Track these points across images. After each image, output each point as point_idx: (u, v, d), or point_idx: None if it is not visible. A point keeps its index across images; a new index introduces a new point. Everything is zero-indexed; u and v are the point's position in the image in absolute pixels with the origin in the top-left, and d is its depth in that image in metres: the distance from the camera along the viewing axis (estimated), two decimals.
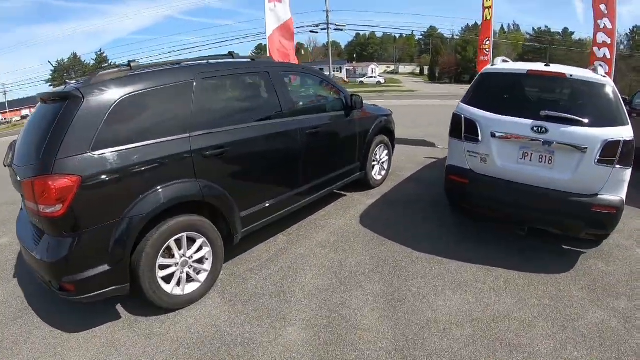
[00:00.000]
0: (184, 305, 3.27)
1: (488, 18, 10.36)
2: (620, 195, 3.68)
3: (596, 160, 3.60)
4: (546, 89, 4.46)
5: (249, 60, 4.27)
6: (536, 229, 4.13)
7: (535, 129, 3.79)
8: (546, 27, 77.36)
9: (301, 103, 4.87)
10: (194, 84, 3.32)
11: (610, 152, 3.57)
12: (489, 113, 4.09)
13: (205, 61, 3.82)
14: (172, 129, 3.12)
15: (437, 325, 3.05)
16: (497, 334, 2.94)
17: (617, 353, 2.75)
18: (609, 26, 9.31)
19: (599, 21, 9.48)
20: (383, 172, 6.29)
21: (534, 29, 78.17)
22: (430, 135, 10.65)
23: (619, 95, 3.88)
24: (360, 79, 67.69)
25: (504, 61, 4.79)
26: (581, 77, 3.99)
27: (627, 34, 64.80)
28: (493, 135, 4.00)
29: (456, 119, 4.33)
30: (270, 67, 4.21)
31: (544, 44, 64.51)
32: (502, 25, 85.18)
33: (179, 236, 3.14)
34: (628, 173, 3.67)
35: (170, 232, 3.06)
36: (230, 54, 4.17)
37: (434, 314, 3.18)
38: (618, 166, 3.58)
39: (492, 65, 4.67)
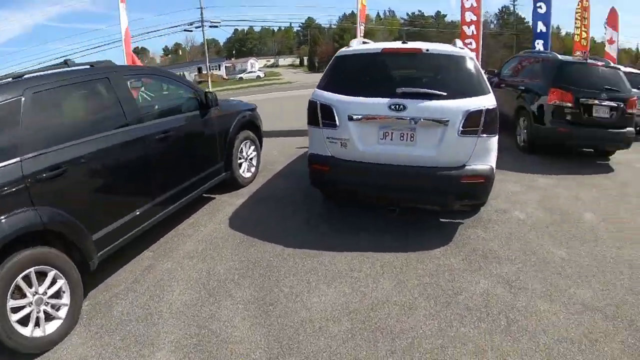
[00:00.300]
0: (49, 347, 3.06)
1: (361, 7, 11.36)
2: (489, 163, 3.87)
3: (459, 132, 3.75)
4: (404, 66, 4.59)
5: (87, 67, 4.06)
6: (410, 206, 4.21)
7: (392, 107, 3.86)
8: (419, 11, 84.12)
9: (149, 107, 4.82)
10: (22, 100, 3.13)
11: (473, 122, 3.73)
12: (344, 96, 4.12)
13: (37, 74, 3.59)
14: (0, 155, 2.94)
15: (312, 324, 2.97)
16: (376, 323, 2.92)
17: (505, 320, 2.86)
18: (475, 4, 10.47)
19: (464, 1, 10.63)
20: (252, 169, 6.22)
21: (408, 14, 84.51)
22: (305, 124, 10.68)
23: (479, 65, 4.10)
24: (240, 75, 68.33)
25: (363, 42, 4.88)
26: (438, 51, 4.17)
27: (496, 13, 73.17)
28: (350, 119, 4.03)
29: (312, 105, 4.34)
30: (111, 73, 4.05)
31: (418, 28, 69.82)
32: (378, 12, 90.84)
33: (27, 272, 2.95)
34: (494, 141, 3.87)
35: (14, 270, 2.87)
36: (66, 62, 3.96)
37: (308, 313, 3.10)
38: (483, 135, 3.77)
39: (348, 47, 4.72)
